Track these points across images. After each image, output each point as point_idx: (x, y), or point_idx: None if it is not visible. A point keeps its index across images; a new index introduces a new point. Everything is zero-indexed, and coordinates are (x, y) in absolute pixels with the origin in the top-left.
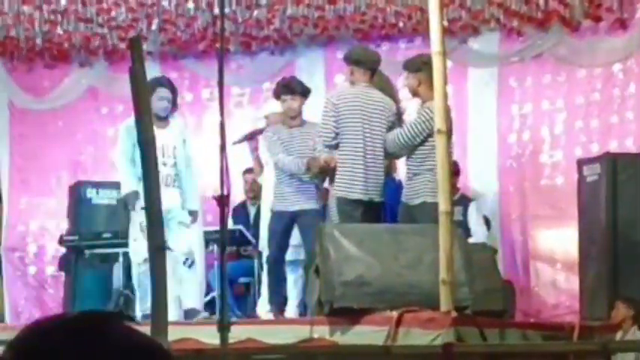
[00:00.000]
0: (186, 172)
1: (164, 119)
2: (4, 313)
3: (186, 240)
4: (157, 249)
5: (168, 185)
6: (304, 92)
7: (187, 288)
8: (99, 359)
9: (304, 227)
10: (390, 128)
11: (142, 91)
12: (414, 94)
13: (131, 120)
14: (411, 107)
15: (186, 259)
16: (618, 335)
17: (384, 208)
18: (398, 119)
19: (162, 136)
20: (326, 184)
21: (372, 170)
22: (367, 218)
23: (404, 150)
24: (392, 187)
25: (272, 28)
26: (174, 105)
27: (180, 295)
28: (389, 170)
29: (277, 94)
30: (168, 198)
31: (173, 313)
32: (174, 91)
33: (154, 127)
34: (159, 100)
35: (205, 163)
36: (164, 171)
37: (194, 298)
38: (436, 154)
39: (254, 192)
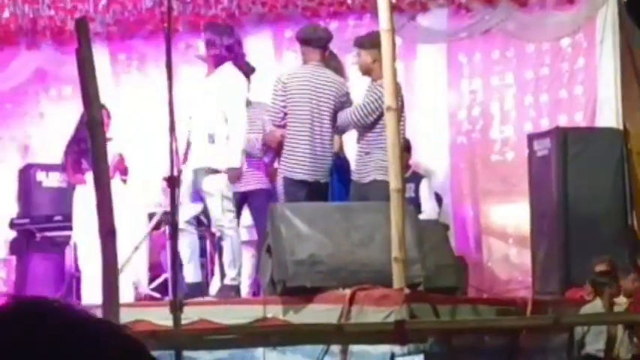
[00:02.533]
0: (224, 130)
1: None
2: None
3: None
4: (108, 232)
5: (201, 143)
6: (251, 72)
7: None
8: (37, 343)
9: (255, 207)
10: (340, 108)
11: (88, 72)
12: (366, 71)
13: None
14: (358, 86)
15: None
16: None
17: (329, 189)
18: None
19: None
20: (275, 164)
21: (319, 151)
22: (311, 199)
23: (358, 127)
24: (341, 166)
25: (220, 7)
26: (223, 53)
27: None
28: (338, 149)
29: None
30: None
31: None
32: (218, 33)
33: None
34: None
35: (156, 144)
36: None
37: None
38: (387, 131)
39: None
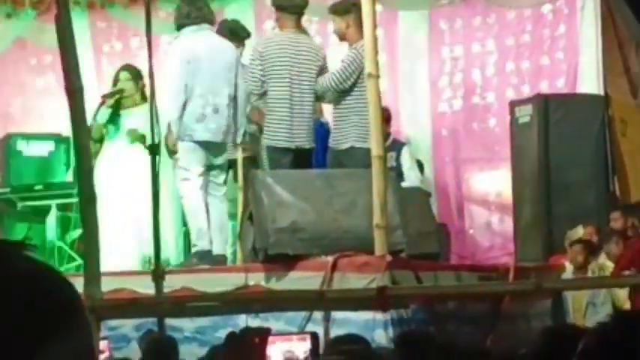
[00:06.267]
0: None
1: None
2: None
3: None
4: (88, 200)
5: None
6: (247, 37)
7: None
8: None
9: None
10: (319, 73)
11: (68, 41)
12: (342, 37)
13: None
14: (339, 52)
15: None
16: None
17: (313, 154)
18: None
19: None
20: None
21: (298, 117)
22: (296, 166)
23: (336, 93)
24: (320, 132)
25: None
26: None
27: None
28: (317, 115)
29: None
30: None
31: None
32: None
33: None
34: None
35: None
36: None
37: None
38: (368, 97)
39: None
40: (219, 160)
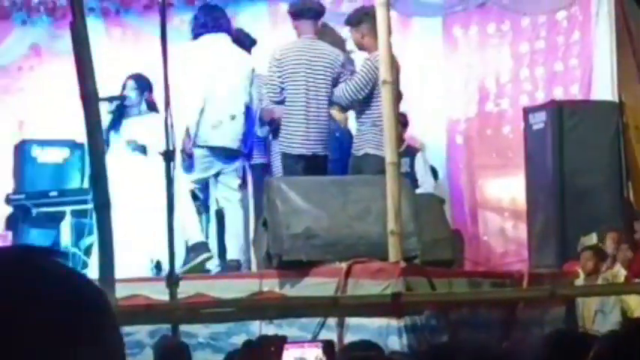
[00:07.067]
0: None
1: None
2: None
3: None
4: (102, 205)
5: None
6: (252, 45)
7: None
8: (31, 290)
9: (252, 182)
10: (336, 80)
11: (83, 47)
12: (360, 47)
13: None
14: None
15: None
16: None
17: (327, 161)
18: (351, 71)
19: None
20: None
21: (314, 124)
22: (310, 172)
23: (352, 103)
24: (345, 139)
25: None
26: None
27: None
28: (343, 123)
29: None
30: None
31: None
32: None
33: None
34: None
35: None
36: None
37: None
38: (382, 104)
39: None
40: (233, 166)
